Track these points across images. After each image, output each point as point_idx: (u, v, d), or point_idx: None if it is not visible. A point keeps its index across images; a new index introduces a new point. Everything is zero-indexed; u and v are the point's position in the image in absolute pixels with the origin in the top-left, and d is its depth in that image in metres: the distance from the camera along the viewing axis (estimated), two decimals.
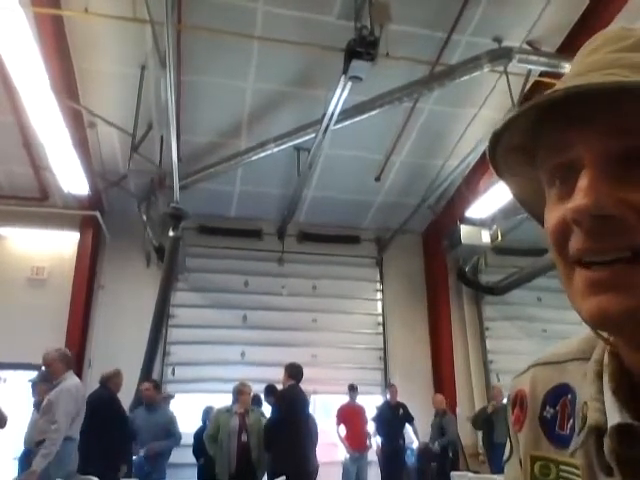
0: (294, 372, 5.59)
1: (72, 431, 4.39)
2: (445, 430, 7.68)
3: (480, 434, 8.13)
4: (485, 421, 7.37)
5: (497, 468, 6.45)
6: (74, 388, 4.46)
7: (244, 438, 5.62)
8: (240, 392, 5.88)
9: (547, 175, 0.51)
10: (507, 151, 0.52)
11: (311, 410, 6.79)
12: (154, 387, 6.45)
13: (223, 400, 6.87)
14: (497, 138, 0.50)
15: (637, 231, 0.43)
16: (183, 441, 7.34)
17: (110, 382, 5.26)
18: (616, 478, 0.47)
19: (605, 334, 0.53)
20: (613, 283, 0.43)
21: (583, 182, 0.45)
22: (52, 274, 8.81)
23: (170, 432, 6.06)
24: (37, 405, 5.32)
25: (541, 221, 0.54)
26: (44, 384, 5.49)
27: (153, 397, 6.19)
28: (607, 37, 0.50)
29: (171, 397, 7.30)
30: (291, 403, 5.45)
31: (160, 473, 6.07)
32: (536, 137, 0.50)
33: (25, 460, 5.13)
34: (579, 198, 0.44)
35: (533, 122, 0.48)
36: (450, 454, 7.58)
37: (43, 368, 4.89)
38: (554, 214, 0.49)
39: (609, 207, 0.43)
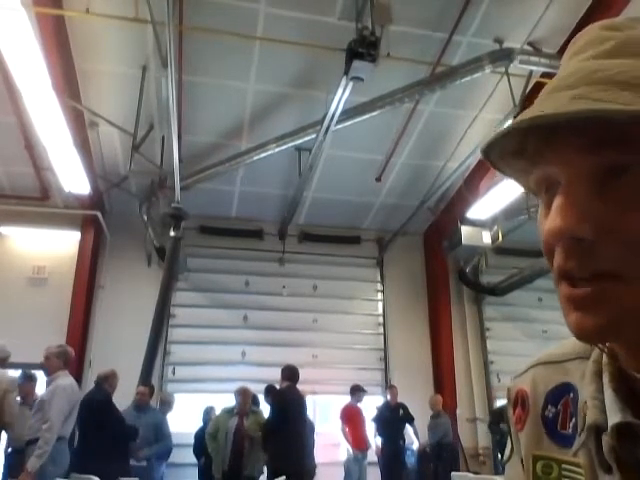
0: (289, 374, 5.64)
1: (64, 430, 4.37)
2: (435, 430, 7.69)
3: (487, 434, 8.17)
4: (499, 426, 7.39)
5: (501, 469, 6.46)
6: (69, 387, 4.44)
7: (239, 439, 5.71)
8: (240, 394, 5.95)
9: (535, 185, 0.51)
10: (502, 156, 0.52)
11: (310, 411, 6.81)
12: (149, 392, 6.46)
13: (223, 400, 6.88)
14: (486, 154, 0.50)
15: (609, 255, 0.43)
16: (183, 441, 7.35)
17: (106, 382, 5.25)
18: (615, 476, 0.47)
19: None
20: (586, 303, 0.44)
21: (557, 202, 0.45)
22: (53, 273, 8.82)
23: (159, 435, 6.04)
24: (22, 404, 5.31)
25: None
26: (28, 384, 5.51)
27: (145, 402, 6.22)
28: (589, 39, 0.49)
29: (168, 403, 7.05)
30: (286, 403, 5.48)
31: (154, 476, 6.06)
32: (522, 149, 0.50)
33: (12, 459, 5.11)
34: (552, 220, 0.45)
35: (519, 135, 0.48)
36: (444, 454, 7.58)
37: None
38: (543, 227, 0.49)
39: (582, 229, 0.43)
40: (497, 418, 7.65)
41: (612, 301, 0.43)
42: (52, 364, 4.50)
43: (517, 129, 0.45)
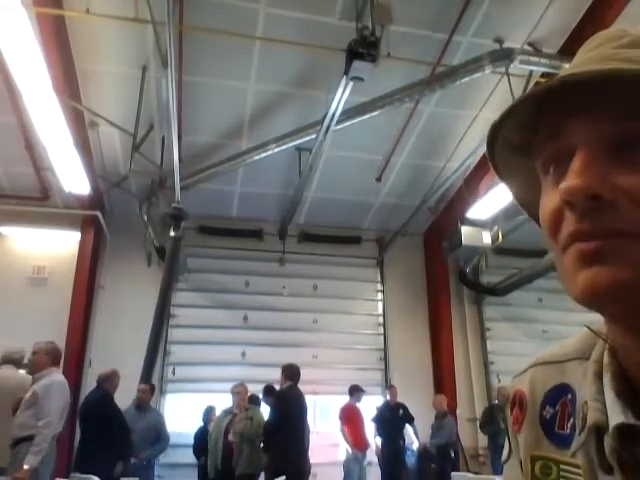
0: (291, 373, 5.61)
1: (58, 428, 4.28)
2: (442, 431, 7.67)
3: (482, 434, 8.15)
4: (492, 425, 7.37)
5: (499, 469, 6.45)
6: (64, 384, 4.36)
7: (230, 438, 5.81)
8: (234, 393, 5.97)
9: (543, 163, 0.51)
10: (504, 147, 0.53)
11: (310, 411, 6.82)
12: (150, 391, 6.48)
13: (223, 400, 6.88)
14: (495, 131, 0.51)
15: (626, 216, 0.43)
16: (183, 441, 7.36)
17: (107, 382, 5.24)
18: (616, 476, 0.48)
19: (603, 334, 0.54)
20: (603, 255, 0.44)
21: (576, 164, 0.46)
22: (53, 273, 8.81)
23: (159, 435, 6.05)
24: None
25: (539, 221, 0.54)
26: None
27: (146, 400, 6.23)
28: (604, 37, 0.51)
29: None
30: (291, 403, 5.47)
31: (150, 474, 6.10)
32: (533, 128, 0.51)
33: None
34: (572, 179, 0.45)
35: (530, 114, 0.49)
36: (452, 454, 7.57)
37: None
38: (549, 199, 0.49)
39: (601, 188, 0.44)
40: (487, 417, 7.64)
41: (629, 255, 0.43)
42: (40, 360, 4.36)
43: (533, 97, 0.46)
